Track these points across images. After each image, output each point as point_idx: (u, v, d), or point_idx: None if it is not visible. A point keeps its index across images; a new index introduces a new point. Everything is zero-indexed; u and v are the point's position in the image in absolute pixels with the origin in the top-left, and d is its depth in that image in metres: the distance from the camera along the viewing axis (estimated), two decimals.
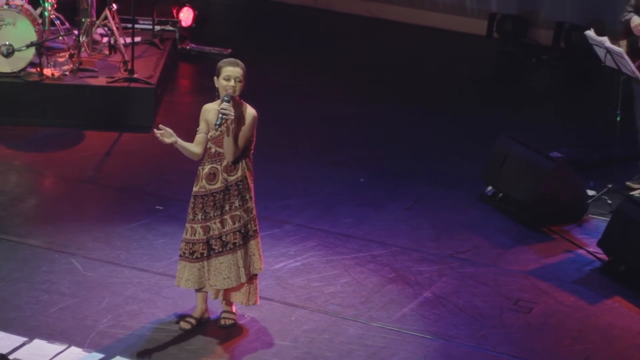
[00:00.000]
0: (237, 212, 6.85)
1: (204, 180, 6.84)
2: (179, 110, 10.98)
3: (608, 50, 9.23)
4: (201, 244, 6.88)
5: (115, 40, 11.02)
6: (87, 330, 6.92)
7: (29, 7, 10.54)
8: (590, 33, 9.51)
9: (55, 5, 10.84)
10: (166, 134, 6.72)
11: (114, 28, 11.01)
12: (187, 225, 6.91)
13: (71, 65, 10.65)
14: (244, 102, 6.81)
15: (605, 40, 9.28)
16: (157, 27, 12.12)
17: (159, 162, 9.64)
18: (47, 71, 10.49)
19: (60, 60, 10.84)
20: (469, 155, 10.22)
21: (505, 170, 9.20)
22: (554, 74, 13.28)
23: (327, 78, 12.39)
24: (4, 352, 6.53)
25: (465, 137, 10.83)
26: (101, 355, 6.67)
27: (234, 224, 6.86)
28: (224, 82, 6.69)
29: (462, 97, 12.16)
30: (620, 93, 9.35)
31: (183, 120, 10.48)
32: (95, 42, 11.23)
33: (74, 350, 6.70)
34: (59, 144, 10.01)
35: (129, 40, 11.02)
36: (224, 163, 6.80)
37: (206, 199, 6.84)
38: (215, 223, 6.85)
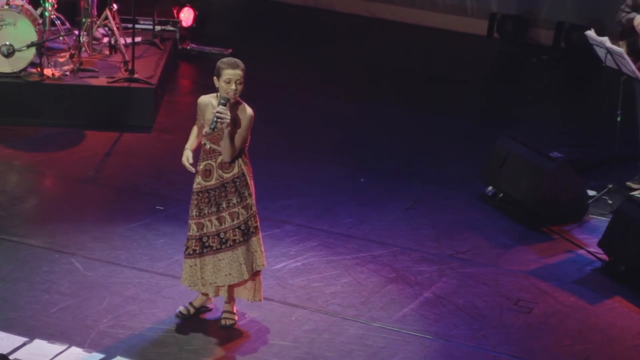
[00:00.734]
0: (236, 209, 6.85)
1: (200, 177, 6.86)
2: (180, 110, 10.98)
3: (608, 51, 9.23)
4: (194, 241, 6.89)
5: (116, 41, 11.03)
6: (88, 330, 6.92)
7: (30, 7, 10.54)
8: (591, 33, 9.51)
9: (55, 6, 10.83)
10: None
11: (115, 28, 11.01)
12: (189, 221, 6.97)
13: (72, 66, 10.65)
14: (242, 102, 6.80)
15: (605, 40, 9.28)
16: (158, 27, 12.12)
17: (159, 162, 9.64)
18: (48, 71, 10.49)
19: (61, 60, 10.84)
20: (470, 156, 10.23)
21: (506, 170, 9.21)
22: (554, 74, 13.28)
23: (327, 78, 12.39)
24: (4, 352, 6.53)
25: (466, 137, 10.83)
26: (102, 356, 6.67)
27: (232, 220, 6.86)
28: (225, 85, 6.67)
29: (462, 97, 12.16)
30: (620, 93, 9.35)
31: (183, 120, 10.50)
32: (95, 41, 11.23)
33: (75, 351, 6.70)
34: (59, 144, 10.01)
35: (129, 40, 11.02)
36: (219, 160, 6.80)
37: (201, 195, 6.85)
38: (210, 220, 6.85)
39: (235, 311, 7.11)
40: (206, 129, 6.79)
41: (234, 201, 6.85)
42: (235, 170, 6.82)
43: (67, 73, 10.57)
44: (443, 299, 7.67)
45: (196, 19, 13.04)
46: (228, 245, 6.87)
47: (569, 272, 8.23)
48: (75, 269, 7.68)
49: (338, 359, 6.87)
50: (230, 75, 6.67)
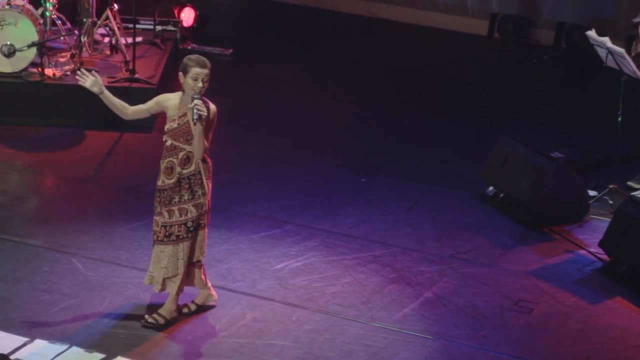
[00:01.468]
0: (185, 206, 6.88)
1: (162, 175, 6.89)
2: None
3: (609, 51, 9.23)
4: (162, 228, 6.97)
5: (117, 40, 11.03)
6: (89, 330, 6.92)
7: (31, 7, 10.54)
8: (592, 33, 9.51)
9: (56, 5, 10.83)
10: (88, 80, 6.77)
11: (115, 28, 11.01)
12: None
13: (72, 65, 10.64)
14: (207, 100, 6.84)
15: (606, 40, 9.29)
16: (159, 27, 12.13)
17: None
18: (49, 71, 10.50)
19: (62, 60, 10.84)
20: (470, 156, 10.23)
21: (507, 171, 9.21)
22: (555, 74, 13.28)
23: (328, 78, 12.39)
24: (5, 352, 6.53)
25: (467, 137, 10.83)
26: (102, 355, 6.67)
27: (180, 216, 6.88)
28: (192, 82, 6.74)
29: (463, 97, 12.16)
30: (621, 93, 9.35)
31: None
32: (96, 42, 11.24)
33: (75, 350, 6.70)
34: (60, 144, 10.01)
35: (130, 40, 11.03)
36: (180, 156, 6.82)
37: (165, 193, 6.90)
38: (162, 214, 6.89)
39: (166, 315, 7.06)
40: (168, 125, 6.82)
41: (186, 197, 6.87)
42: (193, 167, 6.85)
43: (68, 73, 10.56)
44: (444, 299, 7.67)
45: (197, 19, 13.05)
46: (172, 239, 6.89)
47: (570, 273, 8.23)
48: (76, 268, 7.68)
49: (339, 359, 6.87)
50: (197, 72, 6.74)
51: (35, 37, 10.26)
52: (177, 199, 6.87)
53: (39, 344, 6.74)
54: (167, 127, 6.86)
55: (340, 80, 12.34)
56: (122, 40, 11.03)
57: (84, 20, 10.98)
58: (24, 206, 8.68)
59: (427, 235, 8.65)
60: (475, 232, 8.78)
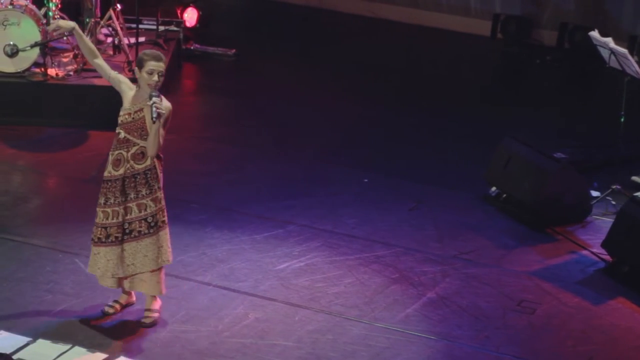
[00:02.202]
0: (144, 201, 6.85)
1: (110, 166, 6.87)
2: (183, 110, 10.97)
3: (612, 51, 9.23)
4: (100, 229, 6.89)
5: (120, 41, 11.03)
6: (91, 330, 6.92)
7: (33, 7, 10.55)
8: (594, 34, 9.51)
9: (59, 5, 10.84)
10: (60, 27, 6.97)
11: (118, 28, 11.01)
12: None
13: (75, 66, 10.66)
14: (161, 96, 6.81)
15: (609, 41, 9.28)
16: (161, 28, 12.13)
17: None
18: (51, 71, 10.50)
19: (65, 60, 10.85)
20: (473, 156, 10.22)
21: (509, 171, 9.20)
22: (557, 75, 13.27)
23: (331, 78, 12.39)
24: (8, 352, 6.54)
25: (469, 137, 10.83)
26: (105, 355, 6.67)
27: (139, 212, 6.86)
28: (147, 76, 6.73)
29: (465, 97, 12.16)
30: (624, 94, 9.35)
31: (186, 120, 10.51)
32: (99, 42, 11.24)
33: (78, 350, 6.70)
34: (62, 144, 10.01)
35: (133, 40, 11.03)
36: (133, 150, 6.81)
37: (110, 184, 6.84)
38: (115, 210, 6.84)
39: (156, 308, 7.06)
40: (122, 118, 6.82)
41: (143, 192, 6.85)
42: (148, 162, 6.82)
43: (71, 73, 10.57)
44: (446, 299, 7.67)
45: (200, 19, 13.05)
46: (133, 236, 6.86)
47: (573, 273, 8.22)
48: (78, 268, 7.68)
49: (341, 359, 6.86)
50: (153, 66, 6.73)
51: (38, 37, 10.26)
52: (133, 195, 6.82)
53: (42, 343, 6.74)
54: (121, 119, 6.83)
55: (342, 80, 12.34)
56: (125, 41, 11.03)
57: (87, 20, 10.99)
58: (26, 206, 8.69)
59: (430, 236, 8.64)
60: (478, 232, 8.78)
